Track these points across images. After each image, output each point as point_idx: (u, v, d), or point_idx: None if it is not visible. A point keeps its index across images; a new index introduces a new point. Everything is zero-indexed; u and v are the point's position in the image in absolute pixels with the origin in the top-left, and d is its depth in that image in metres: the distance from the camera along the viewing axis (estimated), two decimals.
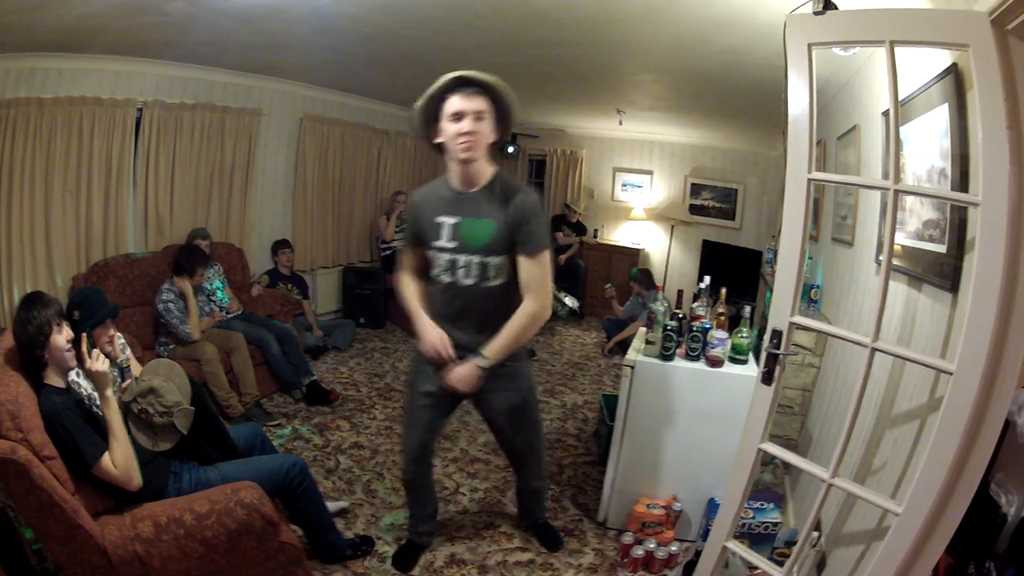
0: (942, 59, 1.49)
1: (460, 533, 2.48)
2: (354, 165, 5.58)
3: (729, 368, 2.34)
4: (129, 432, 1.81)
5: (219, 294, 3.70)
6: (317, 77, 4.64)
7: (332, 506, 2.42)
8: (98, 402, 1.77)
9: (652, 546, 2.30)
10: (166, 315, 3.25)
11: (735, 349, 2.36)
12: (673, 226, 6.53)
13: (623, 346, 4.81)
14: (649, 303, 2.74)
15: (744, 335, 2.36)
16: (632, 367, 2.37)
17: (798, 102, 1.49)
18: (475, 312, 1.88)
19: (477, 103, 1.71)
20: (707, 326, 2.35)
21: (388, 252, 5.44)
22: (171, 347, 3.31)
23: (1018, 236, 1.16)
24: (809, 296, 2.86)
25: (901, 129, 1.56)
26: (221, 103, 4.21)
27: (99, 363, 1.72)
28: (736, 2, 2.18)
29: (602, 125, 6.39)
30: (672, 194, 6.61)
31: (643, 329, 2.58)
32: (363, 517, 2.55)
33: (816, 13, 1.45)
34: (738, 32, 2.50)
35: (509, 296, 1.85)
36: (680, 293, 2.55)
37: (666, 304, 2.43)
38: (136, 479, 1.74)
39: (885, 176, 1.50)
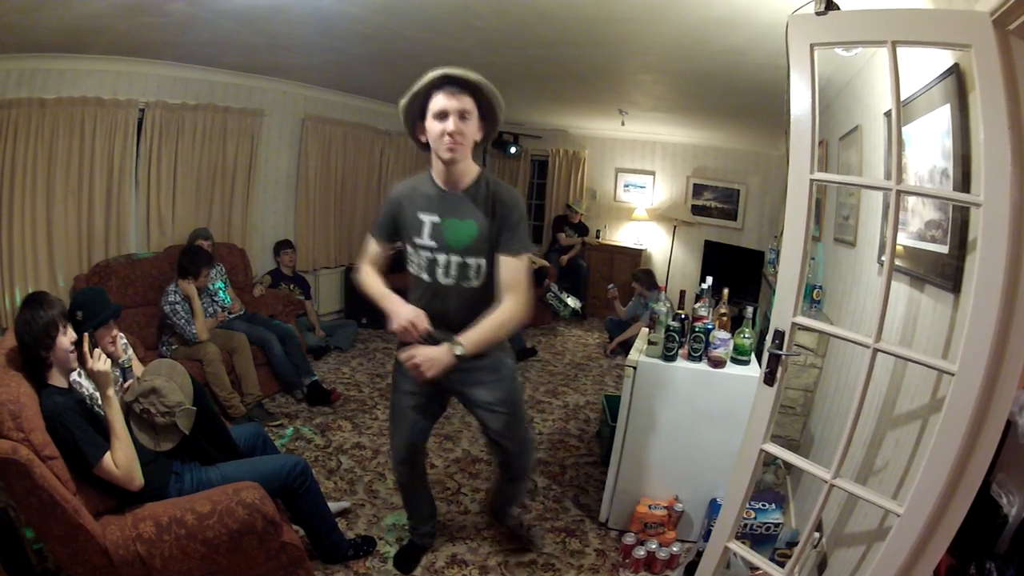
0: (944, 59, 1.48)
1: (461, 534, 2.48)
2: (356, 166, 5.58)
3: (731, 369, 2.34)
4: (131, 432, 1.81)
5: (221, 294, 3.71)
6: (318, 77, 4.64)
7: (334, 506, 2.42)
8: (99, 402, 1.77)
9: (654, 547, 2.30)
10: (173, 317, 3.26)
11: (737, 350, 2.36)
12: (675, 226, 6.52)
13: (625, 347, 4.81)
14: (651, 304, 2.74)
15: (746, 336, 2.36)
16: (634, 367, 2.37)
17: (800, 102, 1.48)
18: (452, 312, 1.85)
19: (462, 102, 1.68)
20: (709, 327, 2.35)
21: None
22: (174, 347, 3.32)
23: (1020, 237, 1.15)
24: (811, 296, 2.86)
25: (903, 129, 1.55)
26: (223, 103, 4.22)
27: (100, 363, 1.73)
28: (737, 2, 2.18)
29: (604, 125, 6.38)
30: (674, 194, 6.61)
31: (645, 330, 2.58)
32: (365, 517, 2.55)
33: (818, 13, 1.44)
34: (739, 32, 2.49)
35: (487, 298, 1.81)
36: (682, 294, 2.55)
37: (668, 305, 2.43)
38: (138, 479, 1.74)
39: (887, 176, 1.49)
